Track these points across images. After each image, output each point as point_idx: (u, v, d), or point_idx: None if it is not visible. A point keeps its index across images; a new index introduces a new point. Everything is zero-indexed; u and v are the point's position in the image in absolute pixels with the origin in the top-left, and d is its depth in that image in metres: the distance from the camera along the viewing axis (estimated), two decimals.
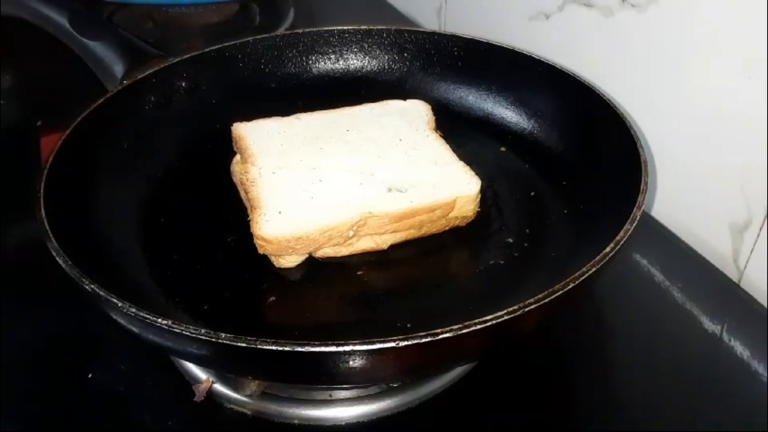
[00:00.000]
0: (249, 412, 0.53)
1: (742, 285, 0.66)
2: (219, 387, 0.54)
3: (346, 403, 0.53)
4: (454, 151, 0.64)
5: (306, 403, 0.53)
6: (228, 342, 0.41)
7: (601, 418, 0.54)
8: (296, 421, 0.53)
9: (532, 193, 0.65)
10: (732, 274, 0.67)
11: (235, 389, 0.54)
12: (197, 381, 0.54)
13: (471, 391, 0.55)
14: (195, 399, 0.53)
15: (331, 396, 0.54)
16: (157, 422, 0.54)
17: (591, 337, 0.60)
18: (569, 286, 0.45)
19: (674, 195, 0.72)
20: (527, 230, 0.61)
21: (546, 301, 0.44)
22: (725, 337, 0.60)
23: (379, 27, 0.78)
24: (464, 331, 0.42)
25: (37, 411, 0.54)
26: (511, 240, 0.60)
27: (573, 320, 0.60)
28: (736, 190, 0.64)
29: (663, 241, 0.70)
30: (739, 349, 0.58)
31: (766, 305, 0.63)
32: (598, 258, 0.47)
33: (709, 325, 0.60)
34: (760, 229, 0.64)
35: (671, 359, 0.58)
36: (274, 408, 0.53)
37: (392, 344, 0.41)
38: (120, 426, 0.54)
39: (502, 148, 0.71)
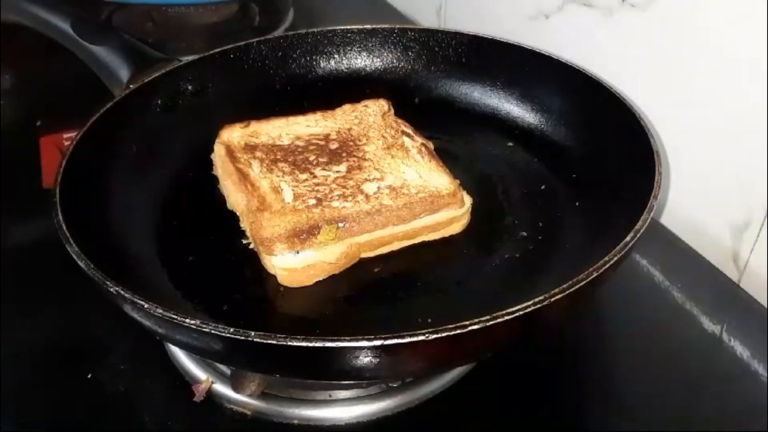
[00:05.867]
0: (249, 412, 0.53)
1: (742, 285, 0.66)
2: (219, 387, 0.54)
3: (346, 403, 0.53)
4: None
5: (306, 403, 0.53)
6: (259, 340, 0.41)
7: (601, 418, 0.54)
8: (296, 421, 0.53)
9: (543, 187, 0.65)
10: (732, 274, 0.67)
11: (235, 389, 0.53)
12: (197, 381, 0.54)
13: (470, 392, 0.55)
14: (195, 399, 0.53)
15: (330, 396, 0.54)
16: (157, 422, 0.54)
17: (591, 337, 0.60)
18: (593, 276, 0.45)
19: (674, 195, 0.72)
20: (540, 224, 0.61)
21: (571, 290, 0.44)
22: (725, 337, 0.60)
23: (383, 26, 0.78)
24: (493, 322, 0.42)
25: (37, 411, 0.54)
26: (525, 234, 0.60)
27: (573, 320, 0.60)
28: (736, 190, 0.64)
29: (663, 241, 0.70)
30: (739, 349, 0.58)
31: (766, 305, 0.62)
32: (619, 247, 0.47)
33: (709, 325, 0.60)
34: (760, 229, 0.64)
35: (671, 359, 0.58)
36: (274, 408, 0.53)
37: (422, 337, 0.41)
38: (120, 426, 0.54)
39: (510, 144, 0.71)
